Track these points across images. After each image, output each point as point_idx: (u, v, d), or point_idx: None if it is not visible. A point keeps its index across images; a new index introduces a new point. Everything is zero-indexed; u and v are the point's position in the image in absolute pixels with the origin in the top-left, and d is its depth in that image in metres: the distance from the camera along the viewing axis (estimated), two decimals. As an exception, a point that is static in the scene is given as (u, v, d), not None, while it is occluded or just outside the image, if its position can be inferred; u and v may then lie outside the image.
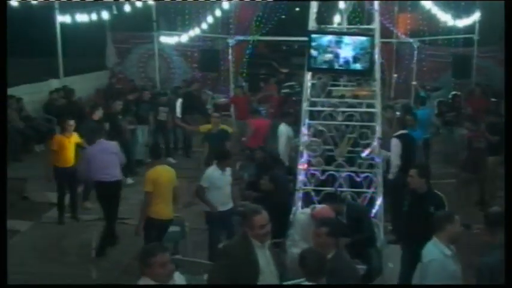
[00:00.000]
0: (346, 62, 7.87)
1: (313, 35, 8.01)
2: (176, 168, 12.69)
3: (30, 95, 15.20)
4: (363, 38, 7.94)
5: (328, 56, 7.90)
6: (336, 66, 7.98)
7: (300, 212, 7.59)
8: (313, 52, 7.89)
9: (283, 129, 10.96)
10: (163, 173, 7.87)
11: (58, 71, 17.01)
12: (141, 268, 4.33)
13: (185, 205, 10.68)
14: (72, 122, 9.93)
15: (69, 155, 9.91)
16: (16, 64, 19.72)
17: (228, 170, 8.26)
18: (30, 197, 10.97)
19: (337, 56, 7.86)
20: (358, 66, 7.91)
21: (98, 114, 11.12)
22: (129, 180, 11.56)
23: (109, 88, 18.16)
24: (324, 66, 8.06)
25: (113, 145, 9.33)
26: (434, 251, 5.21)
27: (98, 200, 9.16)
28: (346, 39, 7.84)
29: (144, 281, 4.28)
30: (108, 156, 8.83)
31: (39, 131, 14.07)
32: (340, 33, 8.18)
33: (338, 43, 7.84)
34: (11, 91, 14.15)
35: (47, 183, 10.34)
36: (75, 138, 9.99)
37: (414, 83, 17.86)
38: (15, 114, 13.38)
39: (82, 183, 10.55)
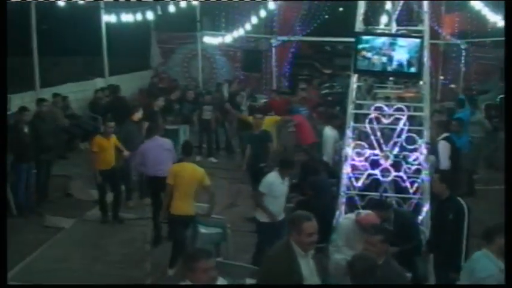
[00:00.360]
0: (400, 65, 7.61)
1: (365, 37, 7.78)
2: (217, 168, 12.91)
3: (75, 94, 15.38)
4: (417, 40, 7.68)
5: (381, 59, 7.64)
6: (389, 69, 7.72)
7: (344, 218, 7.40)
8: (367, 54, 7.66)
9: (329, 132, 10.78)
10: (187, 168, 7.87)
11: (103, 70, 17.22)
12: (184, 271, 4.27)
13: (226, 206, 10.68)
14: (112, 124, 9.90)
15: (109, 157, 9.82)
16: (62, 63, 20.18)
17: (287, 180, 8.06)
18: (74, 194, 11.04)
19: (390, 58, 7.62)
20: (412, 69, 7.65)
21: (137, 115, 11.06)
22: None
23: (151, 87, 18.26)
24: (377, 69, 7.80)
25: (167, 142, 9.56)
26: (490, 266, 4.98)
27: (151, 195, 9.35)
28: (401, 41, 7.58)
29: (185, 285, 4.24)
30: (162, 152, 8.96)
31: (84, 129, 14.22)
32: (389, 35, 7.94)
33: (392, 45, 7.58)
34: (56, 89, 14.42)
35: (90, 181, 10.43)
36: (114, 139, 9.95)
37: (453, 86, 17.41)
38: (61, 113, 13.53)
39: (123, 184, 10.58)
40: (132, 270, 8.21)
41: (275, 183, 7.75)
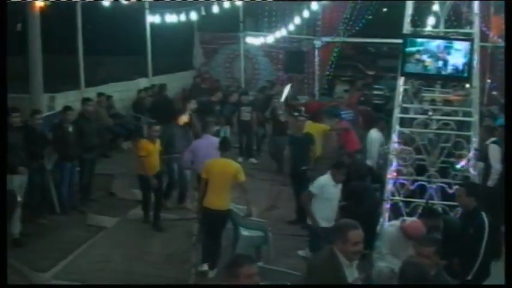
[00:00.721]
0: (456, 69, 7.38)
1: (419, 39, 7.56)
2: (258, 169, 12.83)
3: (119, 93, 15.53)
4: (469, 43, 7.44)
5: (437, 62, 7.42)
6: (443, 73, 7.49)
7: (389, 225, 7.23)
8: (421, 57, 7.45)
9: (375, 135, 10.57)
10: (220, 163, 7.95)
11: (147, 70, 17.36)
12: (227, 277, 4.18)
13: (267, 209, 10.61)
14: (157, 128, 9.68)
15: (155, 162, 9.62)
16: (107, 62, 20.43)
17: (339, 184, 7.90)
18: (117, 193, 11.09)
19: (445, 62, 7.38)
20: (465, 73, 7.41)
21: (183, 118, 11.00)
22: None
23: (194, 87, 18.34)
24: (431, 73, 7.58)
25: (214, 142, 9.32)
26: None
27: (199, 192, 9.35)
28: (457, 44, 7.36)
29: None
30: (212, 150, 8.75)
31: (127, 129, 14.35)
32: (442, 38, 7.71)
33: (447, 48, 7.37)
34: (101, 89, 14.58)
35: (133, 181, 10.46)
36: (159, 144, 9.76)
37: (495, 93, 16.90)
38: (105, 112, 13.69)
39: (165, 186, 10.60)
40: (173, 271, 8.18)
41: (327, 185, 7.60)
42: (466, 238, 6.11)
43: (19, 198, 8.71)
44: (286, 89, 14.64)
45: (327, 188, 7.57)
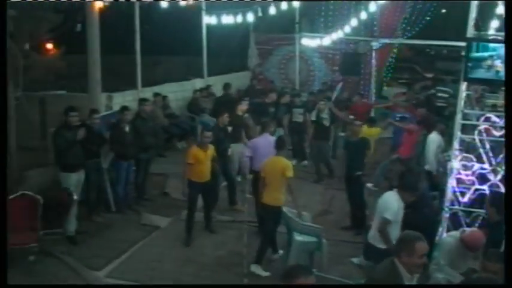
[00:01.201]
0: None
1: (493, 44, 7.23)
2: (311, 172, 12.67)
3: (175, 93, 15.68)
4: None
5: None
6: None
7: (448, 235, 6.97)
8: (494, 62, 7.12)
9: (435, 138, 10.22)
10: (272, 161, 8.31)
11: (202, 71, 17.45)
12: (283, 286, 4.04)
13: (320, 213, 10.45)
14: (209, 134, 9.25)
15: (205, 169, 9.16)
16: (163, 62, 20.66)
17: None
18: (171, 193, 11.14)
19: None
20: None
21: (222, 120, 10.76)
22: None
23: (249, 89, 18.34)
24: (503, 78, 7.22)
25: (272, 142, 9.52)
26: None
27: (253, 189, 9.55)
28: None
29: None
30: (271, 149, 8.81)
31: (182, 129, 14.47)
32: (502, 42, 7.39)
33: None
34: (157, 89, 14.74)
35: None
36: (211, 150, 9.33)
37: None
38: (160, 112, 13.83)
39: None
40: (225, 273, 8.16)
41: (400, 207, 6.87)
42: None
43: (75, 197, 8.89)
44: (337, 89, 14.31)
45: (400, 211, 7.14)
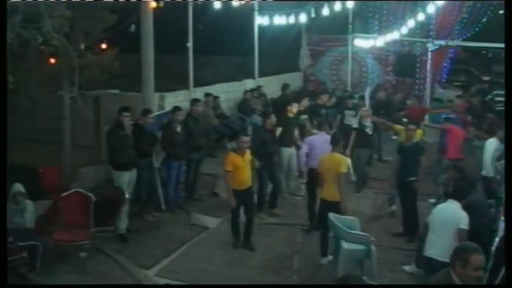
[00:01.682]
0: None
1: None
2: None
3: (225, 94, 15.71)
4: None
5: None
6: None
7: (506, 245, 6.67)
8: None
9: (493, 142, 9.90)
10: (327, 158, 8.59)
11: (253, 71, 17.44)
12: None
13: (370, 218, 10.26)
14: (247, 139, 8.86)
15: (245, 176, 8.77)
16: (215, 62, 20.78)
17: None
18: (220, 193, 11.08)
19: None
20: None
21: (270, 122, 10.53)
22: None
23: (303, 90, 18.32)
24: None
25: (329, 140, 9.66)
26: None
27: (307, 186, 10.00)
28: None
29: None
30: (327, 147, 8.93)
31: (233, 129, 14.47)
32: None
33: None
34: (208, 89, 14.80)
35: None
36: (249, 156, 8.93)
37: None
38: (211, 112, 13.88)
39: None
40: (272, 276, 8.08)
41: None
42: None
43: (127, 195, 8.98)
44: (366, 96, 13.72)
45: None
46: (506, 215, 4.57)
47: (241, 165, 8.68)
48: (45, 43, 8.34)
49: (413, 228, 9.22)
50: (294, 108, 11.65)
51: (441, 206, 6.96)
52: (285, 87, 15.99)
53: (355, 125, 12.03)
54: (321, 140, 9.83)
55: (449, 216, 6.65)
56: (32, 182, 9.57)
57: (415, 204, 9.51)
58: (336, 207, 8.23)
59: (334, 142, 8.62)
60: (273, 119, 10.54)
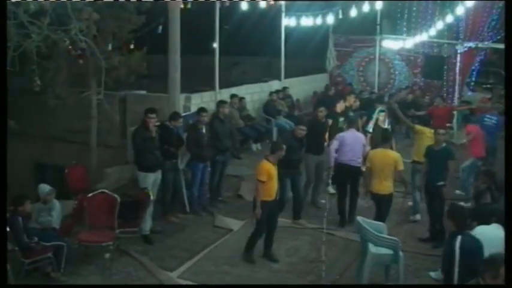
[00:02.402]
0: None
1: None
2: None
3: (251, 95, 15.69)
4: None
5: None
6: None
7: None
8: None
9: None
10: (379, 154, 9.08)
11: (280, 73, 17.38)
12: None
13: (397, 223, 10.12)
14: (284, 148, 8.47)
15: (276, 186, 8.45)
16: (241, 63, 20.79)
17: None
18: (244, 196, 11.04)
19: None
20: None
21: (300, 132, 9.91)
22: None
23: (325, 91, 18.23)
24: None
25: (362, 137, 10.49)
26: None
27: (337, 182, 10.30)
28: None
29: None
30: (357, 144, 9.92)
31: (258, 131, 14.43)
32: None
33: None
34: (234, 90, 14.78)
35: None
36: (276, 165, 8.45)
37: None
38: (237, 113, 13.85)
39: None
40: (296, 279, 8.01)
41: None
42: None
43: (152, 196, 9.00)
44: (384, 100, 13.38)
45: None
46: (506, 215, 4.48)
47: (274, 175, 8.38)
48: (72, 45, 8.43)
49: (441, 234, 9.04)
50: (322, 112, 11.38)
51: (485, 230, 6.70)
52: (327, 88, 15.88)
53: (370, 129, 11.64)
54: (351, 137, 10.12)
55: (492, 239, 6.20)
56: (59, 182, 9.68)
57: (442, 210, 9.32)
58: (390, 200, 9.04)
59: (384, 139, 9.32)
60: (302, 129, 9.90)
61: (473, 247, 5.54)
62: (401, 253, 7.66)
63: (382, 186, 8.92)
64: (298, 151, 10.03)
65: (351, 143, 9.96)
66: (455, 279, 5.48)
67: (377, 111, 11.81)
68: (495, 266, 4.29)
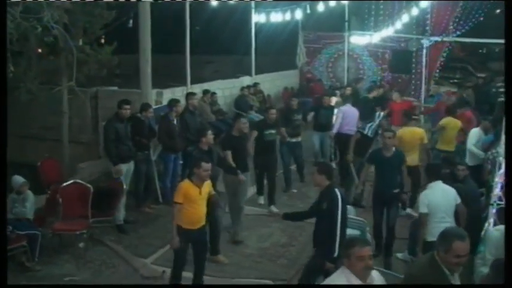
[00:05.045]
0: None
1: None
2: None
3: (223, 90, 15.88)
4: None
5: None
6: None
7: (494, 229, 6.83)
8: None
9: (476, 132, 10.28)
10: (408, 132, 9.87)
11: (251, 69, 17.60)
12: (343, 258, 4.37)
13: (366, 209, 10.37)
14: (208, 166, 6.81)
15: (199, 213, 6.90)
16: (213, 61, 20.94)
17: None
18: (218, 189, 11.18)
19: None
20: None
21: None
22: None
23: (301, 88, 18.54)
24: None
25: (356, 111, 11.88)
26: None
27: (339, 148, 11.64)
28: None
29: (342, 271, 4.31)
30: (352, 116, 11.65)
31: (229, 125, 14.55)
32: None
33: None
34: (206, 86, 14.95)
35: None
36: (208, 187, 7.02)
37: None
38: (208, 108, 14.02)
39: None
40: (267, 264, 8.24)
41: None
42: (321, 213, 6.42)
43: (125, 186, 9.12)
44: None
45: None
46: (506, 214, 4.62)
47: (196, 199, 6.84)
48: (44, 32, 8.43)
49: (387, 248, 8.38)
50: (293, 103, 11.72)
51: (432, 190, 7.15)
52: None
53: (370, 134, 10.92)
54: (351, 110, 11.80)
55: (444, 194, 7.07)
56: (31, 180, 9.67)
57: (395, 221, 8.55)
58: (417, 171, 9.58)
59: (407, 117, 10.19)
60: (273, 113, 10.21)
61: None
62: (368, 234, 7.93)
63: (410, 159, 9.15)
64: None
65: (350, 116, 11.59)
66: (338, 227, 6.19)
67: (382, 115, 11.64)
68: (449, 240, 4.25)
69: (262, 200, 10.55)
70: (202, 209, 6.94)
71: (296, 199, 10.83)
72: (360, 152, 10.25)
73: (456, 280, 4.35)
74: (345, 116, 11.66)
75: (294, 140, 11.31)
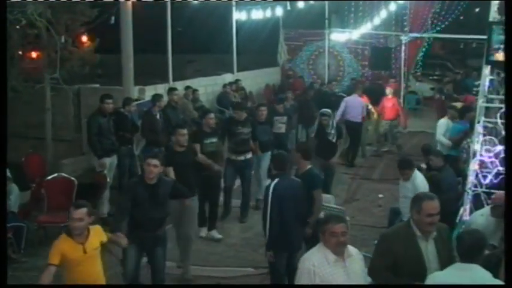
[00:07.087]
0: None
1: None
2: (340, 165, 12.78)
3: (205, 87, 16.01)
4: None
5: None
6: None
7: (479, 214, 6.95)
8: None
9: (444, 122, 10.63)
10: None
11: (232, 66, 17.75)
12: (320, 234, 4.58)
13: (346, 200, 10.62)
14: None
15: (85, 275, 5.26)
16: (196, 60, 21.05)
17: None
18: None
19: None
20: None
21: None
22: None
23: (282, 84, 18.71)
24: None
25: (361, 100, 13.26)
26: None
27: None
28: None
29: (319, 246, 4.53)
30: (357, 105, 13.05)
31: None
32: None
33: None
34: (188, 82, 15.07)
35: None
36: (96, 238, 5.44)
37: None
38: (190, 104, 14.12)
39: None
40: (251, 253, 8.46)
41: None
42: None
43: (108, 180, 9.23)
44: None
45: None
46: (506, 214, 4.80)
47: (79, 261, 5.22)
48: (29, 25, 8.46)
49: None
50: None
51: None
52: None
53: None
54: (355, 100, 13.18)
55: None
56: (14, 178, 9.66)
57: None
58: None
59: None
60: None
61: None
62: (348, 224, 8.09)
63: None
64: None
65: (354, 104, 12.97)
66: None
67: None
68: (419, 201, 4.55)
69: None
70: (91, 271, 5.29)
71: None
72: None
73: (430, 245, 4.56)
74: (347, 106, 12.94)
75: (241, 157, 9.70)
